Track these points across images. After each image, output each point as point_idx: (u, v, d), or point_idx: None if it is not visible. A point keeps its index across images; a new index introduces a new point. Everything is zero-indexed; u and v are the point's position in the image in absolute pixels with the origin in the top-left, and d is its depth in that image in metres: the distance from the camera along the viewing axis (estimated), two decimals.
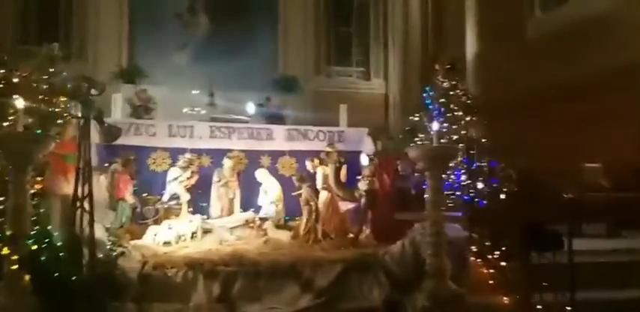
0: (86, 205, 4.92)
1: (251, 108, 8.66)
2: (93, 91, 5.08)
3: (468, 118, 6.49)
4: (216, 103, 9.24)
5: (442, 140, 6.88)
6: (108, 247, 5.14)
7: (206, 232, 6.61)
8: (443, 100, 6.65)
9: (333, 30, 13.51)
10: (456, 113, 6.50)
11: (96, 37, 11.94)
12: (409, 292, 5.17)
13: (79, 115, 5.05)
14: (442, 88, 6.80)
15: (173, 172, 6.99)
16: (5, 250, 4.56)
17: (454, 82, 6.85)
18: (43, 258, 4.73)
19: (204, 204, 7.20)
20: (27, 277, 4.56)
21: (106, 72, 11.37)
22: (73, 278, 4.66)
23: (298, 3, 13.00)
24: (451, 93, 6.70)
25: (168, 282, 5.03)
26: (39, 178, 5.10)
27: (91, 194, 4.88)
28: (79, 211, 4.91)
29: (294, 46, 12.82)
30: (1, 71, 5.56)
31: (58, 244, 4.93)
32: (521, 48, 9.60)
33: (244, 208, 7.28)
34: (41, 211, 5.00)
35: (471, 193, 6.01)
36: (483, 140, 6.31)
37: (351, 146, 7.88)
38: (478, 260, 5.82)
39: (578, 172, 6.51)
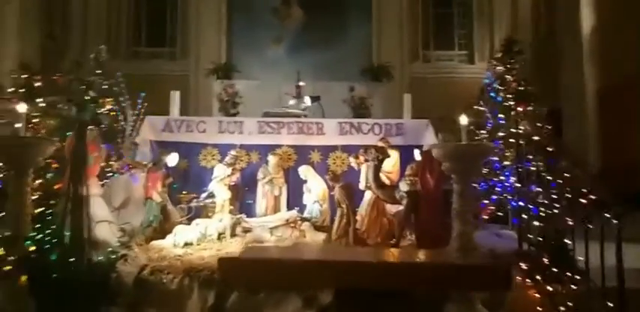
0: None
1: (307, 101, 7.99)
2: (91, 93, 4.86)
3: (520, 109, 5.19)
4: (303, 96, 8.77)
5: (500, 134, 5.73)
6: (110, 249, 4.90)
7: (246, 231, 6.19)
8: (497, 86, 5.41)
9: (432, 12, 12.30)
10: (506, 103, 5.24)
11: (197, 36, 12.22)
12: None
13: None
14: (496, 72, 5.56)
15: (218, 169, 6.64)
16: (1, 251, 4.57)
17: (509, 66, 5.53)
18: (45, 259, 4.66)
19: (251, 201, 6.78)
20: (24, 278, 4.53)
21: (205, 69, 11.62)
22: (68, 280, 4.53)
23: None
24: (508, 77, 5.42)
25: (163, 288, 4.68)
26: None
27: (86, 195, 4.69)
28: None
29: (389, 33, 11.97)
30: (24, 76, 5.65)
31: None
32: None
33: (292, 206, 6.71)
34: (50, 211, 4.94)
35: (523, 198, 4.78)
36: (535, 137, 4.97)
37: (412, 140, 6.90)
38: (526, 281, 4.65)
39: None
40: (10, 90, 6.16)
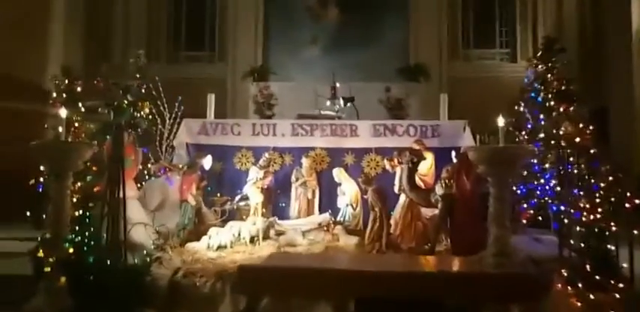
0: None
1: (341, 102, 7.92)
2: (129, 98, 4.94)
3: (561, 109, 4.98)
4: (338, 97, 8.73)
5: (541, 135, 5.54)
6: (145, 251, 4.98)
7: (279, 234, 6.19)
8: (537, 86, 5.21)
9: (473, 11, 12.02)
10: (548, 103, 5.04)
11: (234, 39, 12.28)
12: None
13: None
14: (537, 71, 5.36)
15: (252, 172, 6.68)
16: (40, 253, 4.71)
17: (550, 65, 5.32)
18: (83, 261, 4.78)
19: (283, 204, 6.78)
20: (63, 280, 4.65)
21: (242, 72, 11.73)
22: (104, 282, 4.63)
23: None
24: (549, 77, 5.21)
25: (196, 292, 4.73)
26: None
27: (124, 198, 4.78)
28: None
29: (427, 31, 11.73)
30: (66, 82, 5.80)
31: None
32: None
33: (325, 209, 6.67)
34: (89, 214, 5.06)
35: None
36: (577, 139, 4.75)
37: (448, 142, 6.74)
38: (567, 288, 4.48)
39: None
40: (53, 95, 6.36)
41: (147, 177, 6.37)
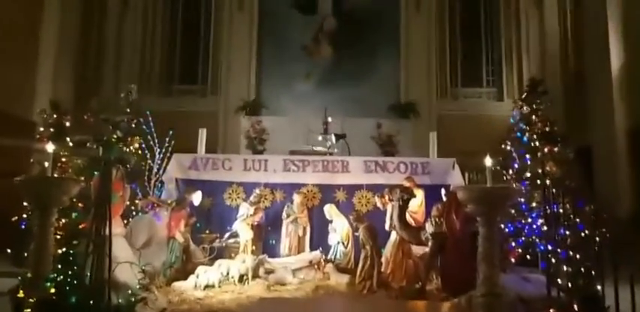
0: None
1: (332, 139, 7.93)
2: (119, 134, 4.88)
3: (546, 150, 5.01)
4: (330, 133, 8.74)
5: (527, 175, 5.54)
6: (130, 291, 4.81)
7: (269, 272, 6.04)
8: (523, 126, 5.26)
9: (460, 50, 12.31)
10: (533, 144, 5.07)
11: (227, 73, 12.37)
12: None
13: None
14: (522, 113, 5.42)
15: (242, 208, 6.58)
16: (21, 293, 4.52)
17: (534, 106, 5.39)
18: (65, 301, 4.60)
19: (273, 241, 6.66)
20: None
21: (234, 105, 11.78)
22: None
23: (421, 27, 12.13)
24: (533, 118, 5.27)
25: None
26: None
27: (110, 236, 4.64)
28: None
29: (417, 70, 11.96)
30: (54, 116, 5.74)
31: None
32: None
33: (316, 246, 6.55)
34: (73, 252, 4.90)
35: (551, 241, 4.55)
36: (564, 179, 4.77)
37: (438, 179, 6.74)
38: None
39: None
40: (40, 129, 6.28)
41: (134, 213, 6.23)
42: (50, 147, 4.71)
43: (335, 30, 12.48)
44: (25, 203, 5.67)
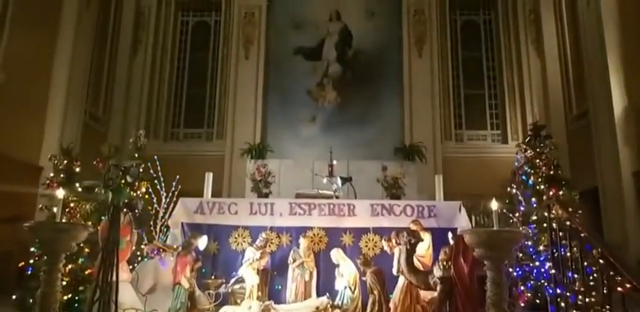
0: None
1: (338, 182, 8.01)
2: (128, 179, 4.99)
3: (551, 193, 5.08)
4: (335, 175, 8.84)
5: (533, 218, 5.59)
6: None
7: None
8: (528, 170, 5.36)
9: (464, 93, 12.62)
10: (538, 187, 5.15)
11: (233, 117, 12.63)
12: None
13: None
14: (526, 156, 5.53)
15: (248, 253, 6.60)
16: None
17: (538, 150, 5.51)
18: None
19: (279, 287, 6.63)
20: None
21: (240, 149, 11.95)
22: None
23: (424, 71, 12.47)
24: (537, 162, 5.38)
25: None
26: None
27: (116, 281, 4.68)
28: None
29: (421, 113, 12.21)
30: (65, 162, 5.88)
31: None
32: None
33: (323, 292, 6.51)
34: (78, 298, 4.93)
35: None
36: (571, 223, 4.81)
37: (445, 222, 6.76)
38: None
39: None
40: (50, 175, 6.41)
41: (139, 258, 6.25)
42: (61, 192, 4.82)
43: (339, 75, 12.89)
44: (32, 248, 5.72)
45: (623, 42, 9.12)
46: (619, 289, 3.99)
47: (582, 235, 4.57)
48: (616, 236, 8.15)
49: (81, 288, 4.98)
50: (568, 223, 4.81)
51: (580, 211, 5.29)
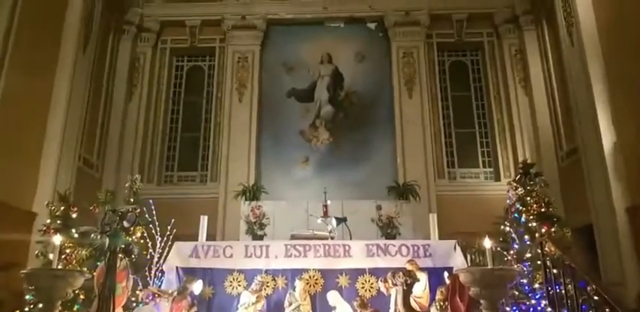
0: None
1: (333, 223, 8.12)
2: (125, 224, 5.08)
3: (543, 230, 5.21)
4: (330, 216, 8.92)
5: (527, 255, 5.69)
6: None
7: None
8: (520, 207, 5.50)
9: (455, 132, 12.96)
10: (530, 224, 5.28)
11: (227, 160, 12.74)
12: None
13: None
14: (517, 194, 5.69)
15: (244, 297, 6.62)
16: None
17: (528, 188, 5.67)
18: None
19: None
20: None
21: (234, 191, 12.03)
22: None
23: (415, 111, 12.79)
24: (528, 199, 5.54)
25: None
26: None
27: None
28: None
29: (413, 152, 12.40)
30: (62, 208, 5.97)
31: None
32: None
33: None
34: None
35: None
36: (564, 260, 4.91)
37: (441, 261, 6.84)
38: None
39: None
40: (47, 221, 6.48)
41: (134, 304, 6.26)
42: (57, 239, 4.90)
43: (331, 115, 13.17)
44: (26, 296, 5.73)
45: (608, 78, 9.37)
46: None
47: (576, 271, 4.66)
48: (613, 273, 8.19)
49: None
50: (561, 259, 4.91)
51: (573, 248, 5.39)
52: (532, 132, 12.14)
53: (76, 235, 6.07)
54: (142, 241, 6.74)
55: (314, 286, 6.85)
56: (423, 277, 6.33)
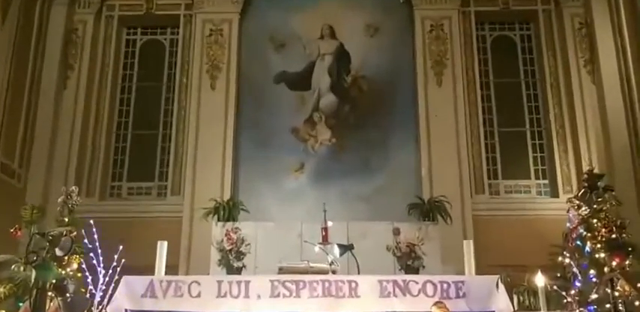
0: None
1: (335, 251, 8.16)
2: (58, 252, 5.13)
3: (614, 263, 5.27)
4: (331, 243, 8.97)
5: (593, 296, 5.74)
6: None
7: None
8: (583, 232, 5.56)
9: (499, 132, 12.99)
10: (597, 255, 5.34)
11: (194, 167, 12.73)
12: None
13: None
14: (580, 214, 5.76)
15: None
16: None
17: (595, 206, 5.73)
18: None
19: None
20: None
21: (202, 208, 12.05)
22: None
23: (446, 105, 12.83)
24: (594, 222, 5.60)
25: None
26: None
27: None
28: None
29: (443, 159, 12.48)
30: None
31: None
32: None
33: None
34: None
35: None
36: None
37: (478, 304, 6.90)
38: None
39: None
40: None
41: None
42: None
43: (334, 108, 13.20)
44: None
45: None
46: None
47: None
48: None
49: None
50: (638, 302, 4.94)
51: None
52: (601, 132, 12.15)
53: None
54: (79, 274, 6.75)
55: None
56: None
